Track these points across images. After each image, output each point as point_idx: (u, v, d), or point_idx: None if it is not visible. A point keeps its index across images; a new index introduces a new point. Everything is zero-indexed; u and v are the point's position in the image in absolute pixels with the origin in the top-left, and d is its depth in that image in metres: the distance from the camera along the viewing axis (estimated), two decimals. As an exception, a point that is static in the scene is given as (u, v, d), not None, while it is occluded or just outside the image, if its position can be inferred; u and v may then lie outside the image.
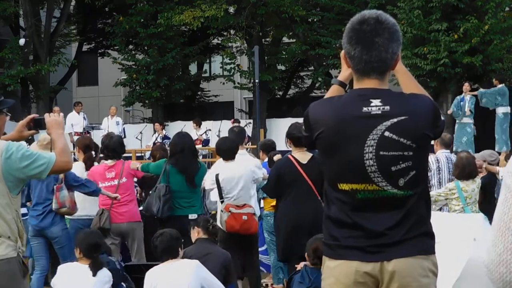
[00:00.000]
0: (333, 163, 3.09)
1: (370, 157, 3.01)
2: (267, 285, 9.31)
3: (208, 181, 8.11)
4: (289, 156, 7.38)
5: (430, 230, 3.11)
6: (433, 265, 3.09)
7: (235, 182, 8.02)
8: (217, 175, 7.98)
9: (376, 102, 3.05)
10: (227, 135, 9.45)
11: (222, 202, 7.95)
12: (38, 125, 4.26)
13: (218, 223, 7.81)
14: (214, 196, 8.31)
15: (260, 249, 9.02)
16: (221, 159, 8.25)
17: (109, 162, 8.44)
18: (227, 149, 8.14)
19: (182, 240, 6.19)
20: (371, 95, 3.06)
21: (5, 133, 4.30)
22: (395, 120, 3.01)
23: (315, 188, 7.16)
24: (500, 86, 16.65)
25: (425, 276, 3.04)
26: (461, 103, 16.53)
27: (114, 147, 8.51)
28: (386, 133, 3.01)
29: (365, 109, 3.04)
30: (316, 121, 3.12)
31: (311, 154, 7.27)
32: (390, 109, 3.03)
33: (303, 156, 7.26)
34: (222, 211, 7.86)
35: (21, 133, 4.33)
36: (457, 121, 16.44)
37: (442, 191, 7.87)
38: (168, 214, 7.84)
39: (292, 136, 7.27)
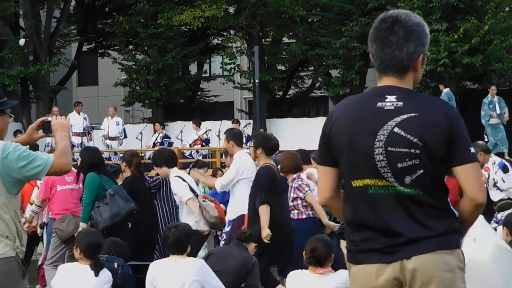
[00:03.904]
0: (348, 159, 3.09)
1: (380, 152, 3.00)
2: None
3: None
4: (270, 164, 7.63)
5: (453, 226, 3.04)
6: (458, 259, 3.02)
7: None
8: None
9: (391, 98, 3.05)
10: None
11: None
12: (47, 128, 4.24)
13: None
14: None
15: None
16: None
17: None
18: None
19: (195, 238, 6.29)
20: (387, 92, 3.08)
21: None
22: (405, 116, 3.00)
23: None
24: (445, 90, 17.35)
25: (448, 270, 2.98)
26: (490, 105, 17.12)
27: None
28: (396, 129, 3.00)
29: (379, 104, 3.05)
30: (336, 117, 3.13)
31: None
32: (403, 106, 3.03)
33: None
34: None
35: (31, 136, 4.33)
36: (484, 122, 17.15)
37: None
38: None
39: (264, 146, 7.66)
